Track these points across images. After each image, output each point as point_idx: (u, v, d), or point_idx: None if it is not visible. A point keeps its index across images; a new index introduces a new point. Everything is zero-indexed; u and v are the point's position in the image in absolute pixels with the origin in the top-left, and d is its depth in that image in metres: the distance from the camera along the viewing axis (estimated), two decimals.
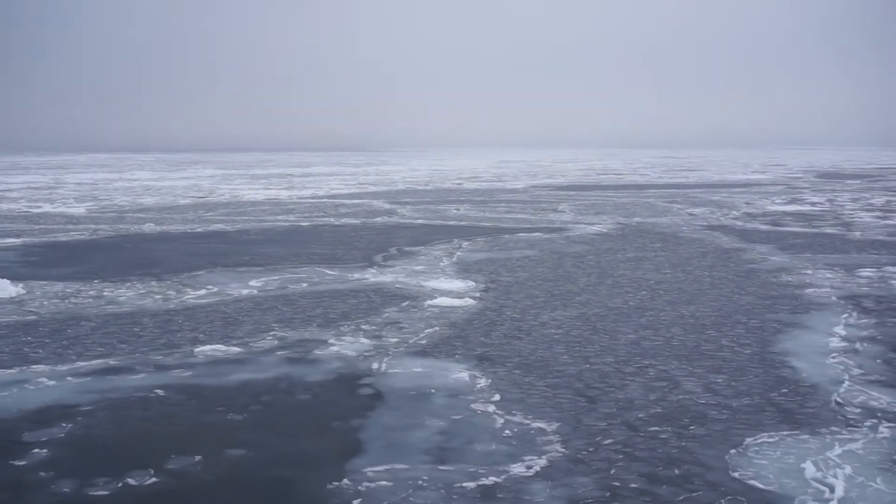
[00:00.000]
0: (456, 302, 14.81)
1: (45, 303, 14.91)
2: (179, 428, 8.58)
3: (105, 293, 15.84)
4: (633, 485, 7.14)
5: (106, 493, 6.97)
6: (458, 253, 21.62)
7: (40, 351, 11.51)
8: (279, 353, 11.47)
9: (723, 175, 73.39)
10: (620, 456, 7.75)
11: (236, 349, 11.63)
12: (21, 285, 16.25)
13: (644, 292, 15.92)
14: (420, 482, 7.15)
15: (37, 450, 7.89)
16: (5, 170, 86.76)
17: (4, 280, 16.35)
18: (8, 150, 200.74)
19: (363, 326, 13.01)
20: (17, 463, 7.59)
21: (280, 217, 32.44)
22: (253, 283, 17.05)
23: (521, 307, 14.54)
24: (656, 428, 8.48)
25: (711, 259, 20.45)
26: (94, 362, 10.94)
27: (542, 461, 7.62)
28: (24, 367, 10.67)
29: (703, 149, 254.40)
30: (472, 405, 9.20)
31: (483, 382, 10.05)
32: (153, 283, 17.05)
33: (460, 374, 10.42)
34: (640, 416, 8.85)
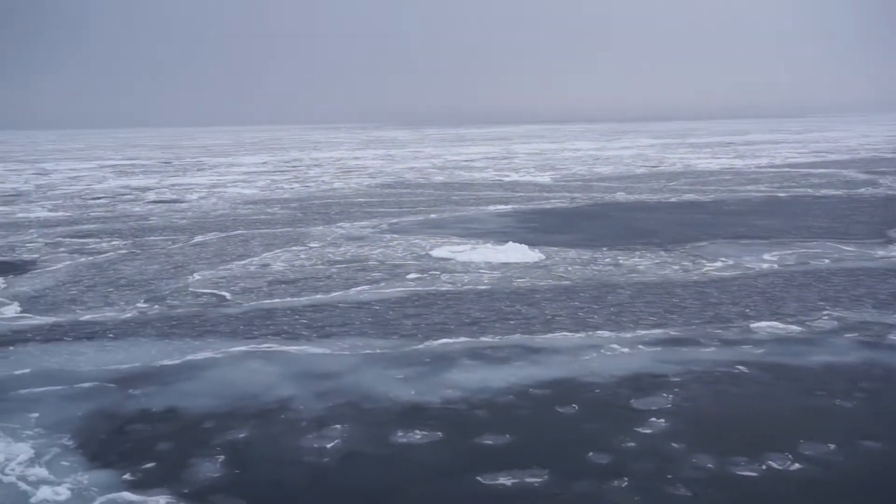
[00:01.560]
0: None
1: (569, 269, 15.44)
2: (785, 410, 8.14)
3: (620, 261, 16.05)
4: None
5: (753, 474, 6.70)
6: None
7: (595, 317, 11.80)
8: (846, 335, 10.59)
9: None
10: None
11: (795, 328, 10.98)
12: (538, 250, 17.07)
13: None
14: None
15: (653, 419, 7.90)
16: (455, 142, 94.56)
17: (523, 245, 17.30)
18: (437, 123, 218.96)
19: None
20: (640, 430, 7.64)
21: (749, 187, 31.11)
22: (766, 256, 16.28)
23: None
24: None
25: None
26: (653, 332, 10.94)
27: None
28: (591, 333, 10.96)
29: None
30: None
31: None
32: (661, 252, 16.99)
33: None
34: None
